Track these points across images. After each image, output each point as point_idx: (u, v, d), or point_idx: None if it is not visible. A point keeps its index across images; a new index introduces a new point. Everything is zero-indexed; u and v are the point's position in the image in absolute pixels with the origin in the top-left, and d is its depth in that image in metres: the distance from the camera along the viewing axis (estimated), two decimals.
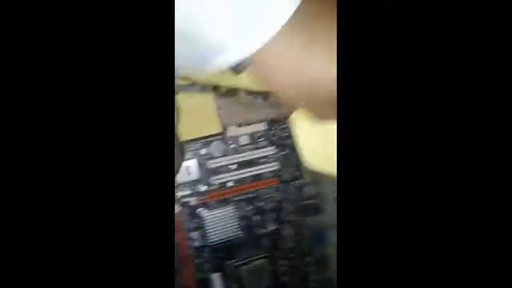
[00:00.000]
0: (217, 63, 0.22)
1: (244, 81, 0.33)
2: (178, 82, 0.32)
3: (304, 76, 0.24)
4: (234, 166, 0.36)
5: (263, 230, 0.37)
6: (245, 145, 0.36)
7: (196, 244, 0.35)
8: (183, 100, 0.32)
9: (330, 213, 0.38)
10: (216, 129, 0.35)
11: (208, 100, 0.35)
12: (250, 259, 0.36)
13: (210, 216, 0.35)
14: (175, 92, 0.31)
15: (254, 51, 0.22)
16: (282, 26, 0.21)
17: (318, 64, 0.23)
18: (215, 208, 0.35)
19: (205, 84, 0.31)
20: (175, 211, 0.34)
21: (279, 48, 0.22)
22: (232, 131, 0.35)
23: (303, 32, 0.23)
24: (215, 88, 0.33)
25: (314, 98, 0.24)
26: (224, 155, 0.35)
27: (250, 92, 0.35)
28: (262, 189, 0.37)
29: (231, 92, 0.34)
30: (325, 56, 0.23)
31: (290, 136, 0.37)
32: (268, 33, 0.21)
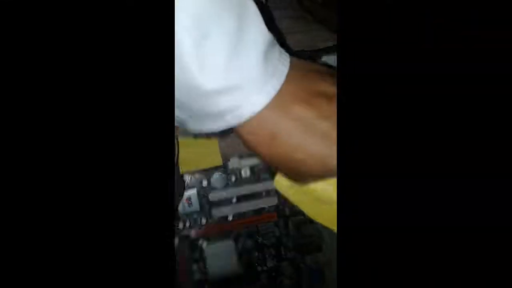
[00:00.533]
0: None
1: None
2: None
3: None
4: (235, 200, 0.36)
5: (263, 267, 0.36)
6: (246, 177, 0.36)
7: (196, 277, 0.34)
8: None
9: (329, 250, 0.38)
10: (217, 161, 0.35)
11: None
12: None
13: (210, 249, 0.34)
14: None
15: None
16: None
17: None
18: (215, 241, 0.35)
19: None
20: (175, 243, 0.33)
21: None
22: (233, 163, 0.36)
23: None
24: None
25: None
26: (225, 188, 0.35)
27: None
28: (262, 223, 0.37)
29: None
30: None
31: None
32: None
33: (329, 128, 0.23)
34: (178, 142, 0.32)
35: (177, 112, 0.23)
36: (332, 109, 0.23)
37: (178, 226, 0.34)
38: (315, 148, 0.23)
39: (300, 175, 0.25)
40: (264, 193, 0.37)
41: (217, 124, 0.22)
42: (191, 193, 0.34)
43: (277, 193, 0.37)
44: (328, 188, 0.26)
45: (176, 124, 0.23)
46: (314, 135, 0.23)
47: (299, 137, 0.23)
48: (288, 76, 0.23)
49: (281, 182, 0.28)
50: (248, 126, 0.22)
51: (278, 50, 0.23)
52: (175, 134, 0.32)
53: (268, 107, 0.22)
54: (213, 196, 0.35)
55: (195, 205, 0.34)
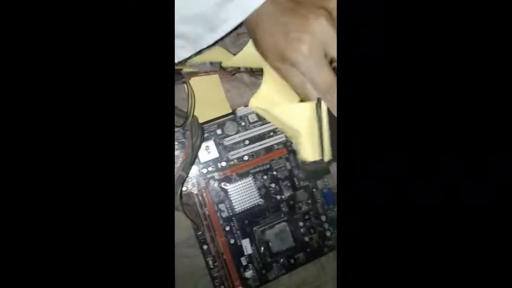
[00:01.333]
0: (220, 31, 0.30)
1: (244, 61, 0.37)
2: (187, 69, 0.36)
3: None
4: (247, 142, 0.40)
5: (281, 197, 0.41)
6: (253, 122, 0.40)
7: (225, 214, 0.39)
8: (196, 87, 0.36)
9: (335, 173, 0.42)
10: (227, 110, 0.39)
11: (217, 85, 0.39)
12: (272, 223, 0.40)
13: (233, 188, 0.39)
14: (185, 80, 0.35)
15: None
16: None
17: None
18: (236, 180, 0.39)
19: (212, 62, 0.35)
20: (203, 186, 0.38)
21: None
22: (241, 111, 0.40)
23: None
24: (222, 68, 0.37)
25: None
26: (237, 133, 0.40)
27: (251, 73, 0.39)
28: (274, 159, 0.41)
29: (236, 73, 0.39)
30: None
31: None
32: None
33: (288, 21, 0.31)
34: (194, 94, 0.36)
35: (194, 28, 0.31)
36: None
37: (202, 170, 0.38)
38: (276, 39, 0.31)
39: (268, 59, 0.33)
40: (271, 133, 0.41)
41: (228, 24, 0.30)
42: (209, 142, 0.39)
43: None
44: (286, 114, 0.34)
45: (191, 41, 0.31)
46: (278, 28, 0.31)
47: (270, 28, 0.31)
48: None
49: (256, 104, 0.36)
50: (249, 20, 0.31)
51: None
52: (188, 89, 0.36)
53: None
54: (228, 141, 0.39)
55: (214, 152, 0.39)
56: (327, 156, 0.35)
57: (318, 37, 0.31)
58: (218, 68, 0.37)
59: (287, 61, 0.31)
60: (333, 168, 0.43)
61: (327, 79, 0.31)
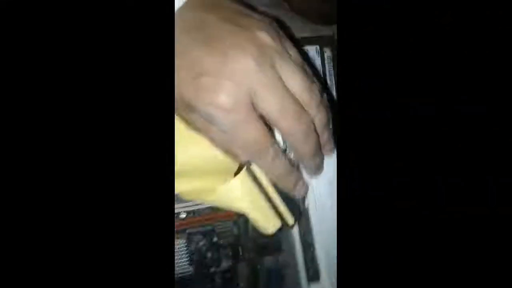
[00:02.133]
0: None
1: None
2: None
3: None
4: None
5: (216, 268, 0.35)
6: None
7: None
8: None
9: (289, 252, 0.36)
10: None
11: None
12: None
13: None
14: None
15: None
16: None
17: None
18: None
19: None
20: None
21: None
22: None
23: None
24: None
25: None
26: None
27: None
28: (219, 221, 0.35)
29: None
30: None
31: None
32: None
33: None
34: None
35: None
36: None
37: None
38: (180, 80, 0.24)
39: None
40: None
41: None
42: None
43: None
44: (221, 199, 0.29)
45: None
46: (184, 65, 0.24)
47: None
48: None
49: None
50: None
51: None
52: None
53: None
54: None
55: None
56: (290, 220, 0.29)
57: (243, 84, 0.23)
58: None
59: (200, 115, 0.24)
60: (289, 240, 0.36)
61: (257, 138, 0.24)
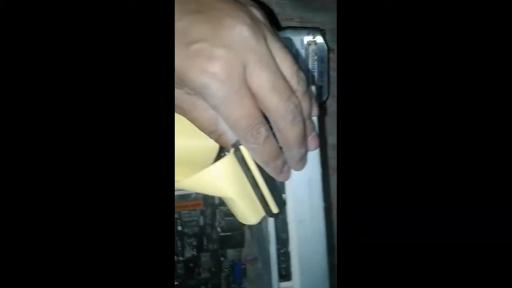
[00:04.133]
0: None
1: None
2: None
3: None
4: None
5: (179, 257, 0.34)
6: None
7: None
8: None
9: (250, 247, 0.36)
10: None
11: None
12: None
13: None
14: None
15: None
16: None
17: None
18: None
19: None
20: None
21: None
22: None
23: None
24: None
25: None
26: None
27: None
28: (186, 211, 0.34)
29: None
30: None
31: None
32: None
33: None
34: None
35: None
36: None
37: None
38: None
39: None
40: None
41: None
42: None
43: None
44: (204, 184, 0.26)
45: None
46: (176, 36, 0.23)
47: None
48: None
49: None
50: None
51: None
52: None
53: None
54: None
55: None
56: (274, 209, 0.27)
57: (238, 52, 0.22)
58: None
59: (189, 87, 0.22)
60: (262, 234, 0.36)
61: (250, 115, 0.23)
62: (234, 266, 0.37)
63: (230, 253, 0.36)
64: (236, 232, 0.36)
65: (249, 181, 0.25)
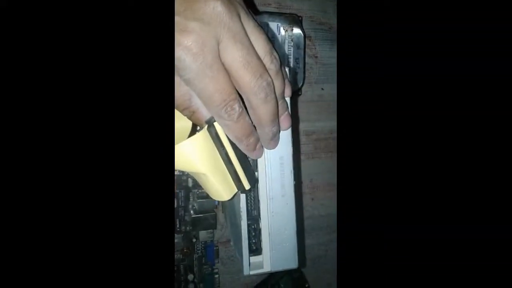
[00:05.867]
0: None
1: None
2: None
3: None
4: None
5: None
6: None
7: None
8: None
9: (222, 229, 0.36)
10: None
11: None
12: None
13: None
14: None
15: None
16: None
17: None
18: None
19: None
20: None
21: None
22: None
23: None
24: None
25: None
26: None
27: None
28: None
29: None
30: None
31: None
32: None
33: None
34: None
35: None
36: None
37: None
38: None
39: None
40: None
41: None
42: None
43: None
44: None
45: None
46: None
47: None
48: None
49: None
50: None
51: None
52: None
53: None
54: None
55: None
56: (246, 185, 0.27)
57: (211, 26, 0.22)
58: None
59: None
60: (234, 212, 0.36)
61: (224, 90, 0.23)
62: (207, 247, 0.37)
63: (203, 234, 0.36)
64: (208, 214, 0.36)
65: (222, 157, 0.26)
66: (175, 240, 0.36)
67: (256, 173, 0.27)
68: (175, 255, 0.36)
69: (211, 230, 0.37)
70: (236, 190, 0.26)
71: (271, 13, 0.39)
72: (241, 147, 0.26)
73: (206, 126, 0.24)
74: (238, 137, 0.25)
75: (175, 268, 0.36)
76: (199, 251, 0.37)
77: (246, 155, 0.26)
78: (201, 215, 0.36)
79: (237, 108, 0.23)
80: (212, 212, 0.36)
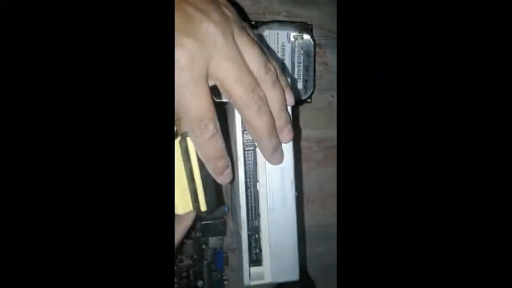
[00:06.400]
0: None
1: None
2: None
3: None
4: None
5: None
6: None
7: None
8: None
9: (237, 234, 0.37)
10: None
11: None
12: None
13: None
14: None
15: None
16: None
17: None
18: None
19: None
20: None
21: None
22: None
23: None
24: None
25: None
26: None
27: None
28: None
29: None
30: None
31: None
32: None
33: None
34: None
35: None
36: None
37: None
38: None
39: None
40: None
41: None
42: None
43: None
44: None
45: None
46: None
47: None
48: None
49: None
50: None
51: None
52: None
53: None
54: None
55: None
56: (203, 207, 0.26)
57: (203, 45, 0.23)
58: None
59: None
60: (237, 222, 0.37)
61: (202, 107, 0.24)
62: (216, 254, 0.37)
63: (212, 241, 0.37)
64: (218, 221, 0.37)
65: (186, 173, 0.26)
66: (185, 247, 0.36)
67: (258, 184, 0.27)
68: (185, 261, 0.37)
69: (221, 237, 0.37)
70: (191, 209, 0.26)
71: (281, 22, 0.40)
72: (209, 168, 0.26)
73: (179, 138, 0.25)
74: (207, 157, 0.25)
75: (186, 274, 0.37)
76: (209, 258, 0.37)
77: (213, 178, 0.26)
78: (211, 221, 0.37)
79: (210, 128, 0.24)
80: (222, 219, 0.37)
